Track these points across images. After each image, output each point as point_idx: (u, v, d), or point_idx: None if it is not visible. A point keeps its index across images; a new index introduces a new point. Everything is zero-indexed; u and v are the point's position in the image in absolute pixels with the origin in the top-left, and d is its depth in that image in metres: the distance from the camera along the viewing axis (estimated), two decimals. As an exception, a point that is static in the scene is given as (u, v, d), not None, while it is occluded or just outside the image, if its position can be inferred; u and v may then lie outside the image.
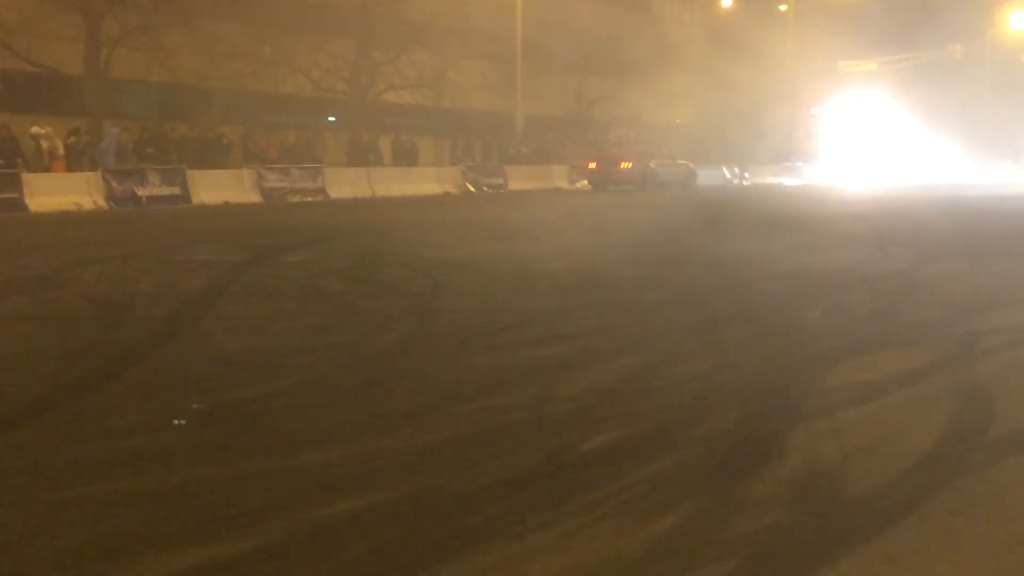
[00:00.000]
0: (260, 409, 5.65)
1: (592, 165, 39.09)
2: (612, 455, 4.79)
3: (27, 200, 25.01)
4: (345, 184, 32.25)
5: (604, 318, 8.97)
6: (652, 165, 38.75)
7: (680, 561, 3.57)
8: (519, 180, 38.14)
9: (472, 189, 35.96)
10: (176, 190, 27.96)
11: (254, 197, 29.63)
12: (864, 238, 17.44)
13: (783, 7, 55.30)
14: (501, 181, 37.54)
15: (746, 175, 48.79)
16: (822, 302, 9.96)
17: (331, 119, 41.66)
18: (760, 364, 6.94)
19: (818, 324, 8.77)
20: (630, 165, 38.07)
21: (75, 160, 29.02)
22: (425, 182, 35.35)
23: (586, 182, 39.73)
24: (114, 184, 26.92)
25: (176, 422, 5.35)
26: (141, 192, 27.25)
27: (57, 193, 25.76)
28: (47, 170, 27.80)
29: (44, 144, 28.29)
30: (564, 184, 40.06)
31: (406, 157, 38.46)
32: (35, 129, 28.58)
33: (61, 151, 28.66)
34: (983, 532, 3.85)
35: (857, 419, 5.42)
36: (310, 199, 30.54)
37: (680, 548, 3.68)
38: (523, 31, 41.20)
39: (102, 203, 26.38)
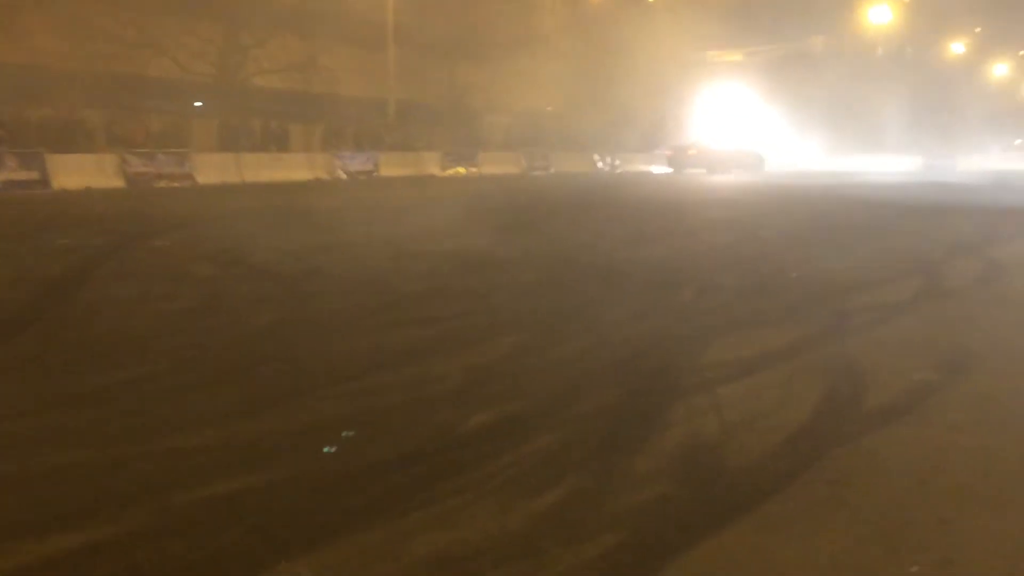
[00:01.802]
0: (130, 393, 5.44)
1: (668, 152, 47.65)
2: (494, 433, 4.73)
3: None
4: (214, 170, 31.55)
5: (480, 299, 8.92)
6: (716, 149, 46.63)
7: (565, 534, 3.52)
8: (391, 166, 37.89)
9: (343, 175, 35.56)
10: (34, 174, 26.88)
11: (118, 183, 28.74)
12: (736, 222, 17.76)
13: (651, -2, 56.10)
14: (372, 167, 37.22)
15: (617, 163, 49.36)
16: (697, 282, 10.07)
17: (198, 104, 40.64)
18: (639, 342, 6.96)
19: (695, 303, 8.87)
20: (696, 152, 46.35)
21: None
22: (296, 168, 34.82)
23: (460, 168, 39.75)
24: (-35, 168, 25.79)
25: (44, 407, 5.10)
26: (-5, 176, 26.13)
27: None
28: None
29: None
30: (437, 171, 39.92)
31: (276, 142, 37.80)
32: None
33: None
34: (860, 499, 3.91)
35: (735, 394, 5.46)
36: (177, 185, 29.76)
37: (565, 522, 3.64)
38: (395, 16, 40.88)
39: (-50, 187, 25.27)
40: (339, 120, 42.54)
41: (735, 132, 53.34)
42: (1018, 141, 72.36)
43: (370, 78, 43.31)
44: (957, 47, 77.78)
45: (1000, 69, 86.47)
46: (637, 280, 10.20)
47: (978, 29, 77.46)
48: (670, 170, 46.31)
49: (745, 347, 6.66)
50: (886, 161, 54.66)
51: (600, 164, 48.46)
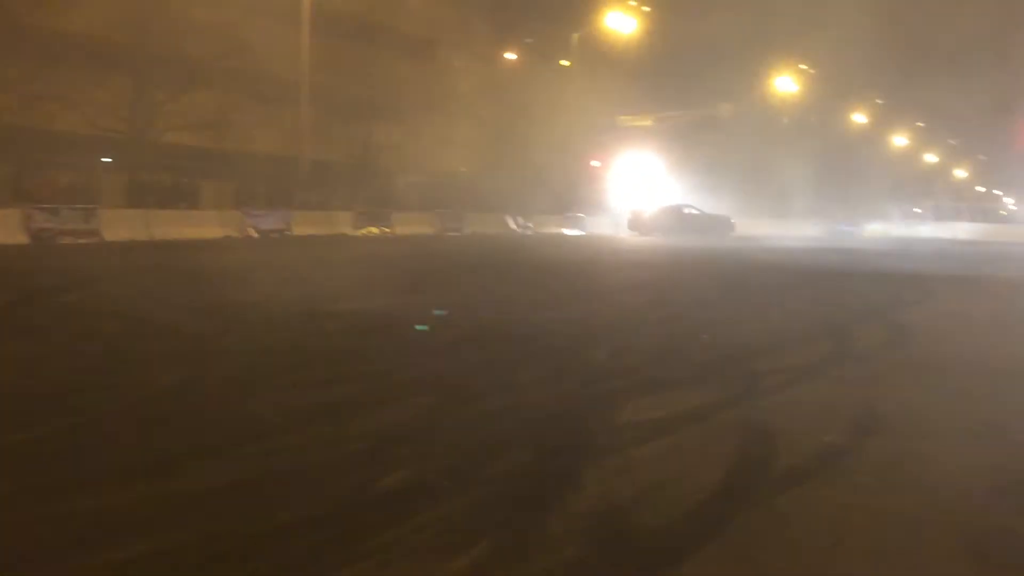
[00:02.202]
0: (29, 452, 5.25)
1: (629, 215, 48.14)
2: (406, 495, 4.66)
3: None
4: (122, 226, 31.01)
5: (395, 358, 8.84)
6: (685, 212, 47.31)
7: (481, 599, 3.47)
8: (304, 225, 37.67)
9: (255, 234, 35.21)
10: (-68, 229, 26.20)
11: (21, 238, 28.08)
12: (647, 284, 17.93)
13: (565, 63, 56.84)
14: (285, 226, 36.96)
15: (529, 224, 49.69)
16: (610, 344, 10.11)
17: (107, 160, 40.03)
18: (552, 404, 6.94)
19: (608, 364, 8.88)
20: (660, 216, 46.79)
21: None
22: (206, 225, 34.41)
23: (374, 228, 39.69)
24: None
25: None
26: None
27: None
28: None
29: None
30: (350, 230, 39.78)
31: (186, 199, 37.36)
32: None
33: None
34: (771, 560, 3.92)
35: (649, 455, 5.46)
36: (83, 241, 29.17)
37: (480, 585, 3.58)
38: (309, 75, 40.84)
39: None
40: (251, 178, 42.24)
41: (648, 194, 54.13)
42: (917, 209, 74.54)
43: (284, 136, 43.14)
44: (859, 117, 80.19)
45: (900, 140, 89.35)
46: (550, 341, 10.19)
47: (879, 101, 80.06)
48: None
49: (658, 409, 6.67)
50: (792, 226, 55.85)
51: (513, 226, 48.75)
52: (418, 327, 10.72)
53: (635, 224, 46.58)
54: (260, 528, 4.13)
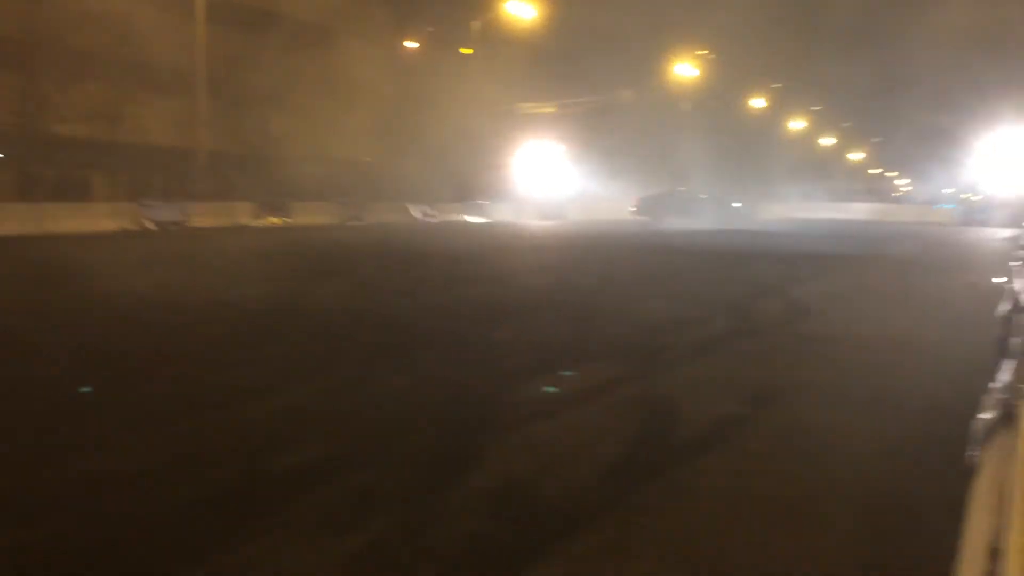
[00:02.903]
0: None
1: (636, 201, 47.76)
2: (306, 474, 4.62)
3: None
4: (11, 220, 30.15)
5: (293, 344, 8.76)
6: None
7: (379, 573, 3.45)
8: (203, 217, 37.01)
9: (152, 226, 34.51)
10: None
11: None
12: (550, 267, 18.03)
13: (466, 50, 56.73)
14: (183, 218, 36.27)
15: (433, 213, 49.54)
16: (514, 323, 10.15)
17: (-3, 153, 38.90)
18: (456, 383, 6.94)
19: (512, 343, 8.90)
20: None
21: None
22: (100, 218, 33.57)
23: (274, 218, 39.25)
24: None
25: None
26: None
27: None
28: None
29: None
30: (250, 221, 39.23)
31: (77, 192, 36.47)
32: None
33: None
34: (674, 529, 3.97)
35: (549, 431, 5.49)
36: (-30, 236, 28.31)
37: (379, 560, 3.57)
38: (206, 65, 40.10)
39: None
40: (147, 169, 41.38)
41: (553, 181, 54.29)
42: (814, 191, 76.01)
43: (180, 127, 42.27)
44: (758, 102, 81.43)
45: (797, 123, 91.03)
46: (454, 322, 10.20)
47: (776, 85, 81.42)
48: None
49: (561, 385, 6.73)
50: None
51: (416, 214, 48.53)
52: (316, 315, 10.65)
53: (646, 210, 46.32)
54: (154, 511, 4.07)
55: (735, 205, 48.29)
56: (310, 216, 42.60)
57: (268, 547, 3.66)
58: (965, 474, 2.85)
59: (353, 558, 3.58)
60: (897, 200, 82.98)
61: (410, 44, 56.91)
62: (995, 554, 1.68)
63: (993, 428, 2.85)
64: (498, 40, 56.64)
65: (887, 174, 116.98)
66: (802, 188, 74.72)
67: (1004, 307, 6.44)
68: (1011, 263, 8.49)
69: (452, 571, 3.50)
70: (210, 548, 3.65)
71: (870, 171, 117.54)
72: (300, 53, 46.48)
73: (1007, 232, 27.86)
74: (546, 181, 55.29)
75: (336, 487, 4.41)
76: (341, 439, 5.30)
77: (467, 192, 53.31)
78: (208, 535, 3.79)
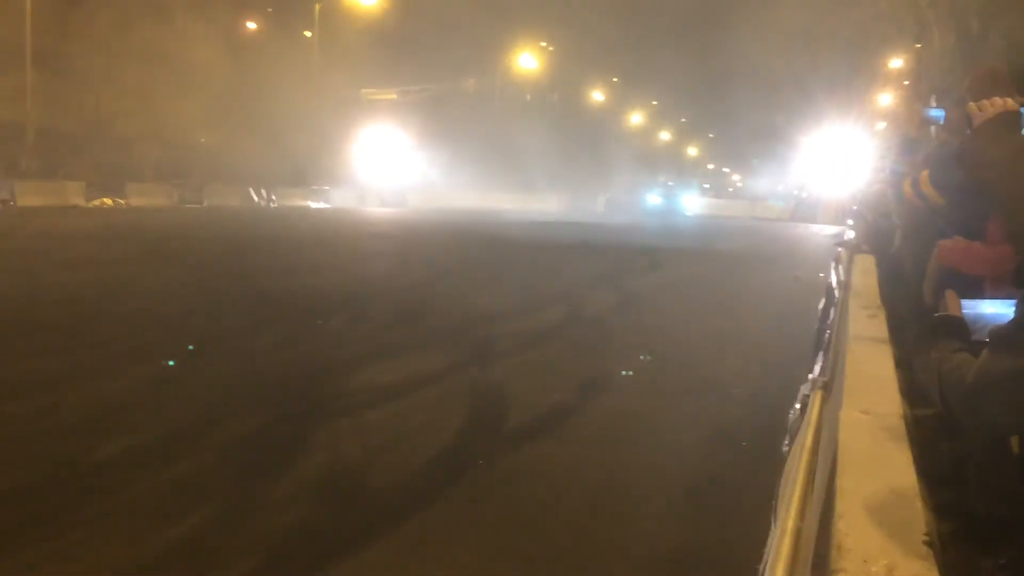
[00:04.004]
0: None
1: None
2: (126, 463, 4.51)
3: None
4: None
5: (118, 327, 8.48)
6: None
7: (199, 562, 3.41)
8: (29, 196, 35.47)
9: (-27, 205, 32.95)
10: None
11: None
12: (385, 255, 17.94)
13: (308, 33, 55.92)
14: (8, 197, 34.73)
15: (273, 197, 48.70)
16: (348, 311, 10.06)
17: None
18: (286, 370, 6.86)
19: (345, 331, 8.83)
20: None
21: None
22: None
23: (107, 199, 38.00)
24: None
25: None
26: None
27: None
28: None
29: None
30: (81, 202, 37.81)
31: None
32: None
33: None
34: (497, 516, 4.01)
35: (380, 418, 5.49)
36: None
37: (199, 550, 3.52)
38: (34, 38, 38.47)
39: None
40: (-32, 146, 39.48)
41: (396, 167, 54.09)
42: (672, 183, 77.67)
43: (6, 102, 40.46)
44: (598, 95, 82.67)
45: (636, 118, 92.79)
46: (287, 309, 10.05)
47: (615, 79, 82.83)
48: (328, 205, 45.76)
49: (392, 373, 6.71)
50: (533, 200, 56.94)
51: (256, 198, 47.59)
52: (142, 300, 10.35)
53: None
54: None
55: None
56: (146, 198, 41.31)
57: (79, 540, 3.54)
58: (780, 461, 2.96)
59: (172, 548, 3.54)
60: (731, 195, 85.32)
61: (251, 25, 55.87)
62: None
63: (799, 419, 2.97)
64: (340, 24, 56.08)
65: (723, 169, 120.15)
66: (640, 181, 76.20)
67: (822, 301, 6.72)
68: (832, 260, 8.86)
69: (273, 561, 3.51)
70: (15, 541, 3.52)
71: (708, 165, 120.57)
72: (135, 30, 45.09)
73: (832, 229, 28.91)
74: (387, 168, 55.02)
75: (159, 476, 4.31)
76: (165, 426, 5.17)
77: (309, 177, 52.62)
78: (14, 526, 3.65)
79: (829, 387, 2.91)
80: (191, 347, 7.64)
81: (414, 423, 5.42)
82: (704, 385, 6.84)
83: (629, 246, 23.33)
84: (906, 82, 39.85)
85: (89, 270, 13.14)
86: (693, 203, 59.70)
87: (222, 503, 3.98)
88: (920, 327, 2.02)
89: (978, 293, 2.76)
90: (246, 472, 4.42)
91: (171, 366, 6.86)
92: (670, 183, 48.97)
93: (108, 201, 38.38)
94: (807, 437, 2.27)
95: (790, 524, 1.68)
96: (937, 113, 3.73)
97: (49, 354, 7.18)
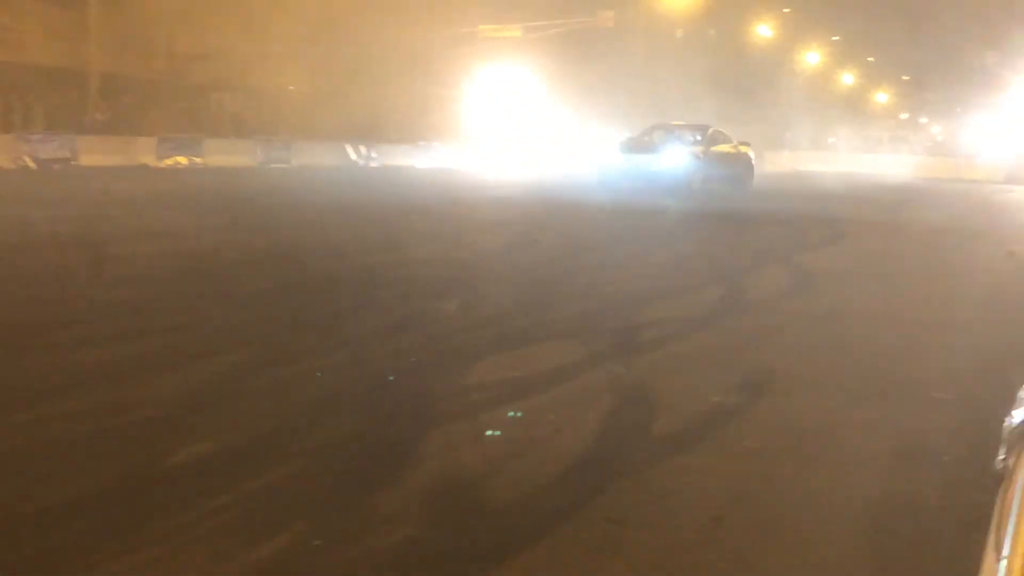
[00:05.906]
0: None
1: None
2: (209, 469, 4.60)
3: None
4: None
5: (201, 310, 8.71)
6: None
7: (292, 587, 3.46)
8: (94, 154, 36.63)
9: (31, 163, 34.14)
10: None
11: None
12: (509, 224, 18.01)
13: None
14: (70, 154, 35.89)
15: (374, 155, 49.32)
16: (464, 292, 10.14)
17: None
18: (393, 361, 6.92)
19: (461, 316, 8.90)
20: None
21: None
22: (-33, 153, 33.23)
23: (181, 158, 38.90)
24: None
25: None
26: None
27: None
28: None
29: None
30: (152, 160, 38.88)
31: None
32: None
33: None
34: (644, 540, 3.97)
35: (503, 421, 5.49)
36: None
37: (292, 573, 3.56)
38: (98, -31, 39.59)
39: None
40: (26, 95, 40.82)
41: (516, 121, 54.13)
42: (832, 139, 76.36)
43: (67, 44, 41.64)
44: (764, 30, 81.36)
45: (812, 57, 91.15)
46: (393, 289, 10.17)
47: (787, 10, 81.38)
48: (437, 164, 46.09)
49: (517, 366, 6.72)
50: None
51: (354, 156, 48.30)
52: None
53: None
54: (25, 510, 4.03)
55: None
56: (225, 156, 42.27)
57: (156, 557, 3.64)
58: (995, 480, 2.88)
59: (262, 569, 3.57)
60: (928, 152, 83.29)
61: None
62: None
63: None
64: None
65: (920, 120, 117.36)
66: (816, 134, 74.97)
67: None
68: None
69: (379, 587, 3.51)
70: (87, 557, 3.63)
71: (900, 115, 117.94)
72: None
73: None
74: (511, 121, 55.15)
75: (245, 486, 4.37)
76: (253, 426, 5.27)
77: (416, 130, 53.07)
78: (86, 539, 3.77)
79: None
80: (278, 334, 7.79)
81: (542, 427, 5.41)
82: (897, 386, 6.70)
83: (799, 215, 22.99)
84: None
85: (165, 241, 13.49)
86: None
87: (318, 518, 4.03)
88: None
89: None
90: (345, 483, 4.48)
91: (256, 356, 7.01)
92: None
93: (182, 160, 39.45)
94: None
95: (1018, 564, 1.63)
96: None
97: (117, 341, 7.39)
